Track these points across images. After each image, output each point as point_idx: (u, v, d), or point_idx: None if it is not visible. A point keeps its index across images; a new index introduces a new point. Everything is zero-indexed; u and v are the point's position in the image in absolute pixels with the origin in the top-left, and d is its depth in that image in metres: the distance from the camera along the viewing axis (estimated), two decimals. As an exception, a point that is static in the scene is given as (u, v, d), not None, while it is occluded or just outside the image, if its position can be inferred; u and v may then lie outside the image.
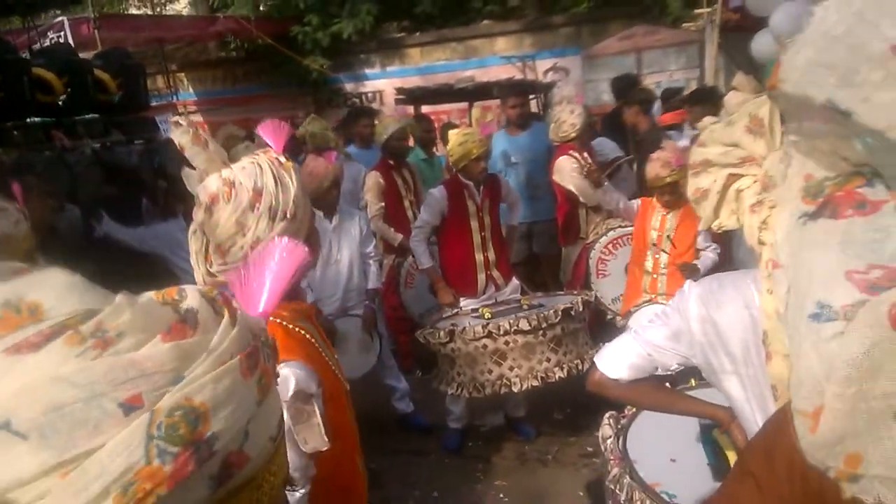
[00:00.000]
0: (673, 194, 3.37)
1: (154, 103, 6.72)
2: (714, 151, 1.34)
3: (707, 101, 4.58)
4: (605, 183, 4.19)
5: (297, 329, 1.43)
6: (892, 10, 0.64)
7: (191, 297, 0.58)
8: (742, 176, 1.31)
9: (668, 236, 3.45)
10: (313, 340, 1.47)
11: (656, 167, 3.36)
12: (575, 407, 4.05)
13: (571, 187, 4.39)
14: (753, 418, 1.37)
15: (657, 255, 3.48)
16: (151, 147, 4.60)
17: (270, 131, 1.45)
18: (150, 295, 0.58)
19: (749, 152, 1.29)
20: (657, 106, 6.02)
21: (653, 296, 3.50)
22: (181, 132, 1.33)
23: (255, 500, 0.59)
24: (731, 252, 3.62)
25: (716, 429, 1.74)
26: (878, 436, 0.61)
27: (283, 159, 1.41)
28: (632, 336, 1.53)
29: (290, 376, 1.31)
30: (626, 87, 5.88)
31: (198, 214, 1.36)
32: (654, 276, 3.51)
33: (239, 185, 1.33)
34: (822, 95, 0.66)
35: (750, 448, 0.99)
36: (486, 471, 3.71)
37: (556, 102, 6.41)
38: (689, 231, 3.41)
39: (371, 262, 3.92)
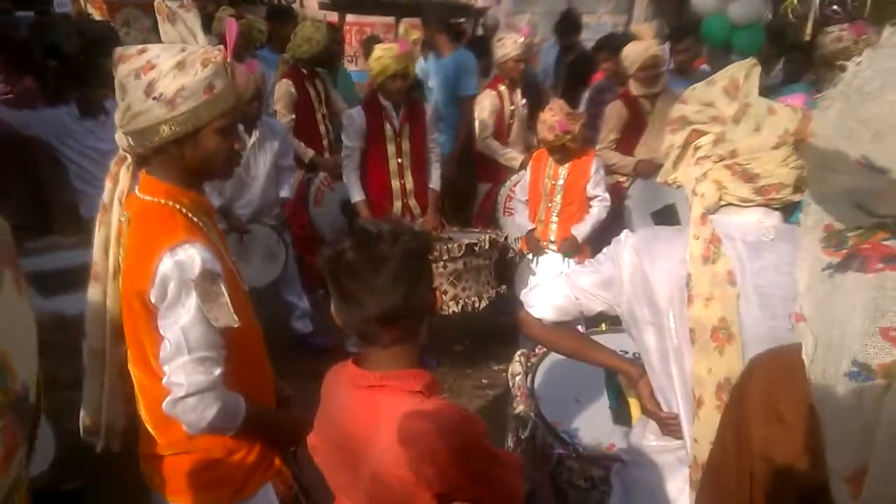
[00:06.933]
0: (562, 153, 3.46)
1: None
2: (691, 109, 1.38)
3: (616, 49, 4.21)
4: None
5: (195, 219, 1.47)
6: None
7: None
8: (704, 133, 1.35)
9: (560, 185, 3.54)
10: (211, 235, 1.51)
11: (543, 130, 3.39)
12: (473, 340, 4.17)
13: (476, 124, 4.37)
14: (664, 371, 1.44)
15: (550, 204, 3.58)
16: (43, 21, 4.12)
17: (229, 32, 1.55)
18: None
19: (720, 113, 1.33)
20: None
21: (545, 243, 3.62)
22: None
23: None
24: (623, 215, 3.72)
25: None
26: None
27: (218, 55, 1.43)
28: (562, 279, 1.56)
29: (195, 255, 1.37)
30: (571, 29, 5.66)
31: None
32: (547, 224, 3.62)
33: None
34: (857, 151, 0.64)
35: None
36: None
37: (495, 27, 6.23)
38: (579, 180, 3.51)
39: (287, 174, 3.81)
